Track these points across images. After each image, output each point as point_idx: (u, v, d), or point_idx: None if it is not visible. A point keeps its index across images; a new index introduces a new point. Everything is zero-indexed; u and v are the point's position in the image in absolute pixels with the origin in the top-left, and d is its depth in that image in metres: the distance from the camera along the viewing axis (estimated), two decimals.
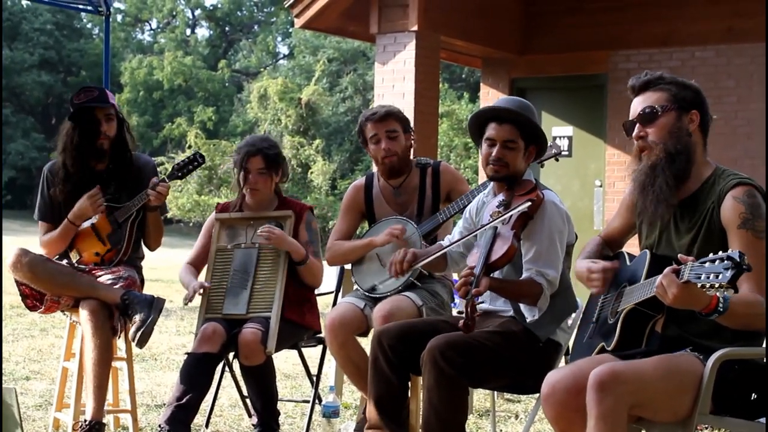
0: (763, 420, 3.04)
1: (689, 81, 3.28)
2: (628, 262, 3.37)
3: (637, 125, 3.24)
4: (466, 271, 3.52)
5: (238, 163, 4.69)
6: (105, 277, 4.51)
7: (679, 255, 2.87)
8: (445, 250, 3.89)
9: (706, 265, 2.69)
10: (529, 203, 3.62)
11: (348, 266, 4.89)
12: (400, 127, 4.63)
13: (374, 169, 4.85)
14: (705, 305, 2.82)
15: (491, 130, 3.78)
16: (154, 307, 4.34)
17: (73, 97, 4.62)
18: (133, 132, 4.80)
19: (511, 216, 3.63)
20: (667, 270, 2.81)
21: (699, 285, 2.69)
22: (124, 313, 4.36)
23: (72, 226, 4.62)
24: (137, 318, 4.30)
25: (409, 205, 4.66)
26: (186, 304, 4.58)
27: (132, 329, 4.31)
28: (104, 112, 4.59)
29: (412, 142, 4.71)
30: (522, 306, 3.76)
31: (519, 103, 3.85)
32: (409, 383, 3.95)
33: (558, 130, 10.52)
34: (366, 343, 4.32)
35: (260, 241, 4.62)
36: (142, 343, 4.32)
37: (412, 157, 4.78)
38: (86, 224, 4.65)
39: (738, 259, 2.61)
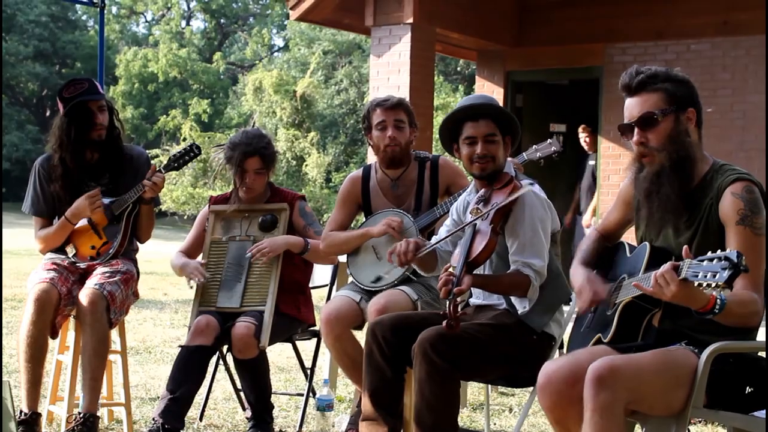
0: (757, 413, 3.04)
1: (679, 73, 3.22)
2: (628, 253, 3.36)
3: (637, 130, 3.17)
4: (446, 272, 3.51)
5: (234, 162, 4.63)
6: (102, 270, 4.50)
7: (683, 249, 2.84)
8: (441, 239, 3.88)
9: (704, 263, 2.67)
10: (509, 199, 3.62)
11: (343, 259, 4.88)
12: (408, 120, 4.62)
13: (371, 160, 4.82)
14: (702, 305, 2.81)
15: (470, 129, 3.78)
16: None
17: (63, 91, 4.56)
18: (122, 121, 4.76)
19: (489, 211, 3.63)
20: (666, 265, 2.79)
21: (696, 283, 2.68)
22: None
23: (69, 225, 4.61)
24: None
25: (406, 199, 4.65)
26: (193, 286, 4.58)
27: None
28: (97, 104, 4.57)
29: (415, 137, 4.70)
30: (512, 298, 3.76)
31: (487, 98, 3.93)
32: (405, 376, 3.94)
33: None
34: (361, 336, 4.31)
35: (260, 261, 4.59)
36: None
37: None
38: (82, 222, 4.64)
39: (735, 260, 2.59)
